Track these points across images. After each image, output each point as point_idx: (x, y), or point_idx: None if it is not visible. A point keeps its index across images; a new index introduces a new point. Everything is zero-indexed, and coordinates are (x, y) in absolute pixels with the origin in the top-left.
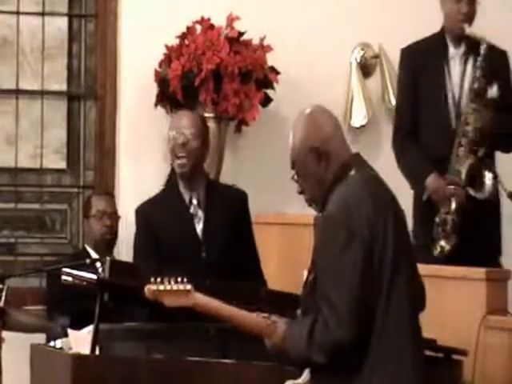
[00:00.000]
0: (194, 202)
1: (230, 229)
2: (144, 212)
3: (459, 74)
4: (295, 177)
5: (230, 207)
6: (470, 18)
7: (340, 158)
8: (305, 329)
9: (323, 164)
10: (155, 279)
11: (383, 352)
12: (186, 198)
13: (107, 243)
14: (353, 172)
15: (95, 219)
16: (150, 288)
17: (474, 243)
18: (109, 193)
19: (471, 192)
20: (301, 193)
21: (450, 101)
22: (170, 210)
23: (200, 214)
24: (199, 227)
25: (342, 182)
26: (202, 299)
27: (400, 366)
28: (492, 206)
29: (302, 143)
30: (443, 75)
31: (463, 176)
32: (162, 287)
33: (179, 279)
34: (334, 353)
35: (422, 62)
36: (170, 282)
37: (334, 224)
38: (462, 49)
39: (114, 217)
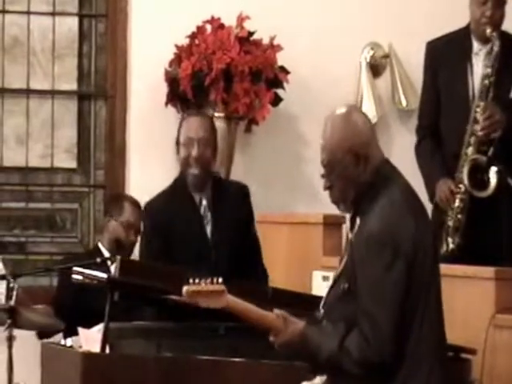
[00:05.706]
0: (204, 203)
1: (236, 228)
2: (154, 209)
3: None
4: (324, 173)
5: (236, 205)
6: (494, 21)
7: (375, 161)
8: (337, 334)
9: (361, 167)
10: (193, 280)
11: (418, 358)
12: (196, 199)
13: (124, 252)
14: (391, 182)
15: (122, 226)
16: (188, 289)
17: (481, 242)
18: (140, 206)
19: (472, 190)
20: (327, 189)
21: (471, 97)
22: (179, 210)
23: (209, 215)
24: (208, 229)
25: (382, 193)
26: (233, 301)
27: (432, 372)
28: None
29: (341, 144)
30: (465, 71)
31: (465, 175)
32: (199, 288)
33: (214, 280)
34: (372, 369)
35: (445, 57)
36: (206, 283)
37: (379, 242)
38: (490, 46)
39: (138, 234)
